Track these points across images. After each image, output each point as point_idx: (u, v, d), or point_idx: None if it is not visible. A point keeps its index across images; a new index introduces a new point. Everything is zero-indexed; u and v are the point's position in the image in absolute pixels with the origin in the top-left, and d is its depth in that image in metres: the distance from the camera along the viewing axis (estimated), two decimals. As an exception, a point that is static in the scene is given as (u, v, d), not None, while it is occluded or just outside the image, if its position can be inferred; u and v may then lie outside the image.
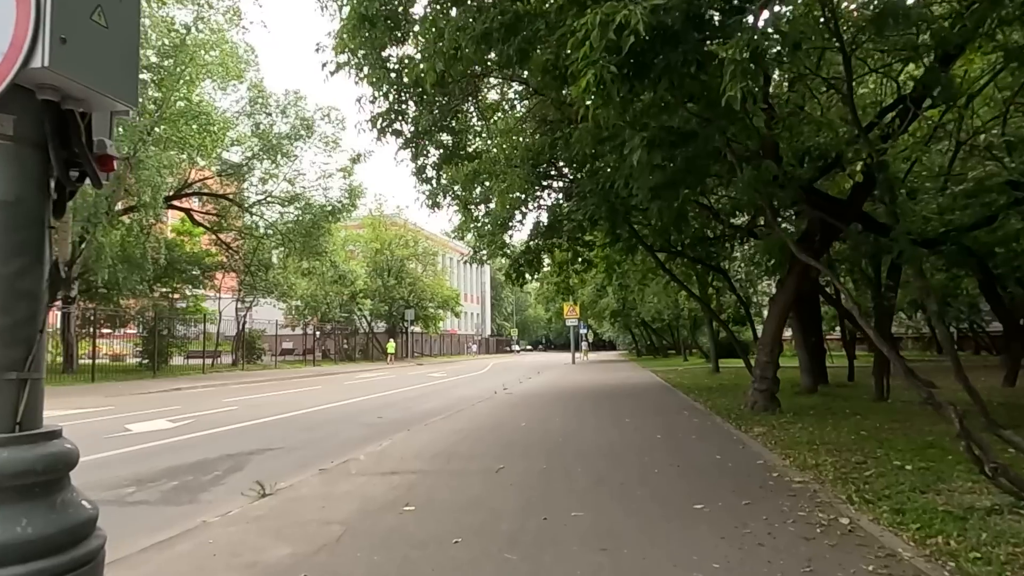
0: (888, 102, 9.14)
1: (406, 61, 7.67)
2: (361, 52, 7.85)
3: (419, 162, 10.29)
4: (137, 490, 6.37)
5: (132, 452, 8.69)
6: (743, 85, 3.94)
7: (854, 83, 9.17)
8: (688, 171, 6.58)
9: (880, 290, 12.41)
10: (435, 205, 11.12)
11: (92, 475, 7.07)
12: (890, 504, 4.55)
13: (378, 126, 9.18)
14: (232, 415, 12.90)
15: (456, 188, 12.12)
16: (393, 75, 8.17)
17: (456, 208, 15.42)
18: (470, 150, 10.77)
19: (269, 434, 10.29)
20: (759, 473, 5.83)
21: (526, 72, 9.69)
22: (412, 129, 9.70)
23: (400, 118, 9.28)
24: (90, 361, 26.04)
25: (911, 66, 8.15)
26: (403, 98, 8.94)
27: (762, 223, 16.56)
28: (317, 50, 8.70)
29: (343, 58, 8.09)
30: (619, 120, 5.23)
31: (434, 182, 10.91)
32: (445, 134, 10.08)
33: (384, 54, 7.94)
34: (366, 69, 8.01)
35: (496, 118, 12.54)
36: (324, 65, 8.41)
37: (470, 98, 10.11)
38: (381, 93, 8.61)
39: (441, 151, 10.20)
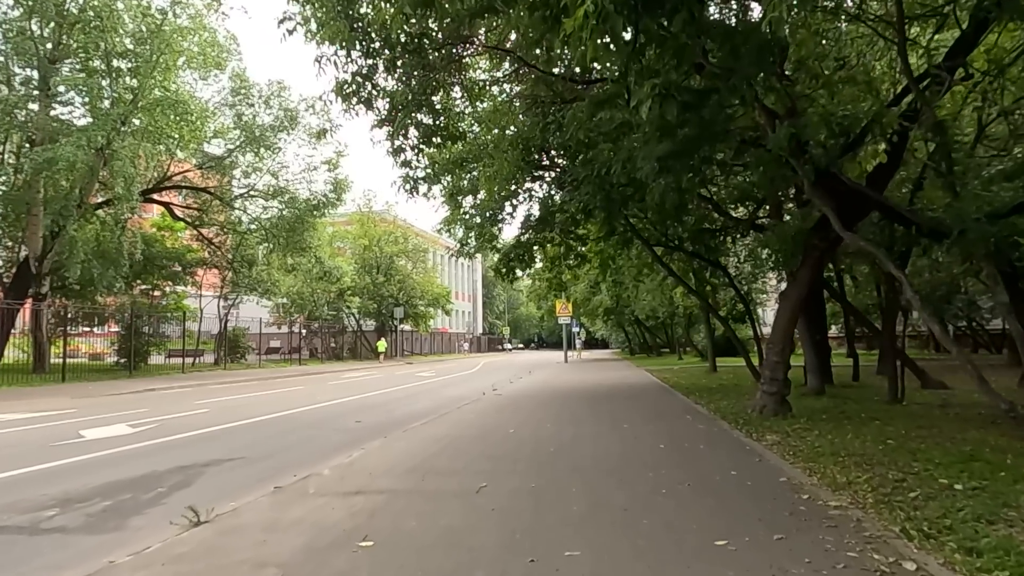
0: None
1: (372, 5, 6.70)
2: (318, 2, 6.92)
3: (396, 142, 9.33)
4: (59, 513, 5.47)
5: (75, 463, 7.80)
6: (788, 2, 3.07)
7: (872, 58, 8.35)
8: (701, 138, 5.69)
9: (894, 284, 11.60)
10: (414, 190, 10.14)
11: (15, 493, 6.18)
12: (957, 540, 3.70)
13: (343, 93, 8.17)
14: (201, 419, 11.99)
15: (437, 171, 11.15)
16: (359, 31, 7.18)
17: (442, 197, 14.56)
18: (453, 131, 9.78)
19: (235, 441, 9.41)
20: (785, 494, 4.97)
21: (515, 45, 8.85)
22: (388, 105, 8.74)
23: (371, 85, 8.28)
24: (67, 361, 25.17)
25: (943, 33, 7.35)
26: (373, 63, 7.95)
27: (765, 215, 15.78)
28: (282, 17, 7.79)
29: (304, 12, 7.13)
30: (622, 70, 4.37)
31: (413, 164, 9.94)
32: (425, 112, 9.10)
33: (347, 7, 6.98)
34: (324, 26, 7.02)
35: (484, 98, 11.63)
36: (281, 22, 7.43)
37: (454, 74, 9.17)
38: (344, 51, 7.58)
39: (421, 129, 9.20)
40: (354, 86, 7.97)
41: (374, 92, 8.29)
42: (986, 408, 10.26)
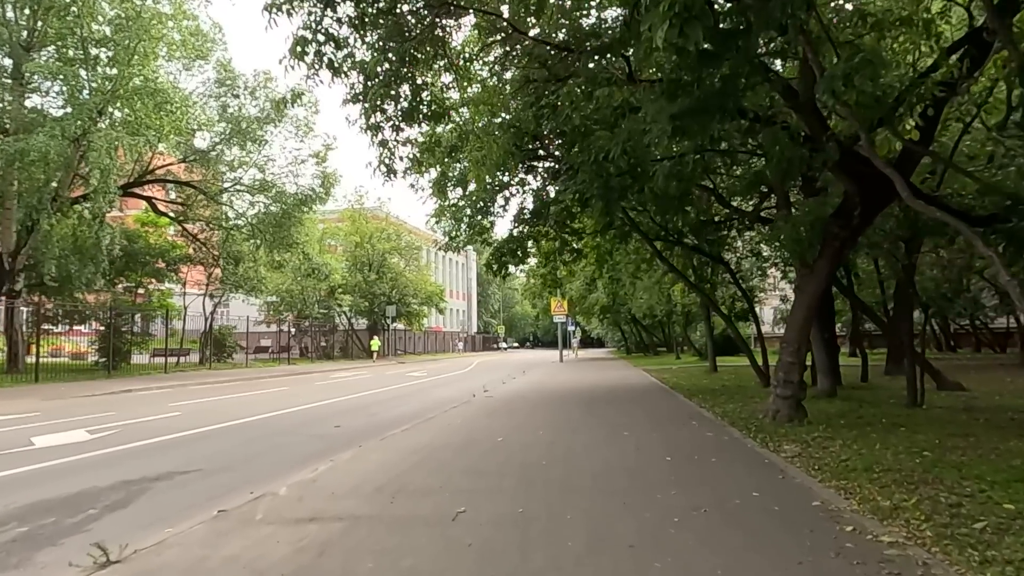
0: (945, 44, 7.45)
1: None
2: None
3: (372, 119, 8.40)
4: (-39, 543, 4.62)
5: (11, 477, 6.98)
6: None
7: (901, 25, 7.52)
8: (724, 93, 4.84)
9: (912, 278, 10.82)
10: (391, 173, 9.20)
11: (-81, 517, 5.34)
12: (1062, 596, 2.88)
13: (299, 54, 7.15)
14: (169, 423, 11.14)
15: (422, 152, 10.24)
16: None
17: (429, 187, 13.71)
18: (438, 109, 8.86)
19: (197, 450, 8.56)
20: (824, 525, 4.13)
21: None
22: (361, 77, 7.82)
23: (335, 45, 7.30)
24: (46, 360, 24.29)
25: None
26: (336, 19, 6.98)
27: (770, 206, 14.96)
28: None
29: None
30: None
31: (391, 144, 9.00)
32: (406, 87, 8.18)
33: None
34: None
35: (473, 82, 10.78)
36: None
37: (437, 47, 8.27)
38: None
39: (399, 106, 8.26)
40: (315, 45, 7.00)
41: (337, 54, 7.30)
42: (1017, 413, 9.50)
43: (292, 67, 7.07)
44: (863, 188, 7.65)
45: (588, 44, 8.17)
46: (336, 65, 7.35)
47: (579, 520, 4.38)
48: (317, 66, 7.21)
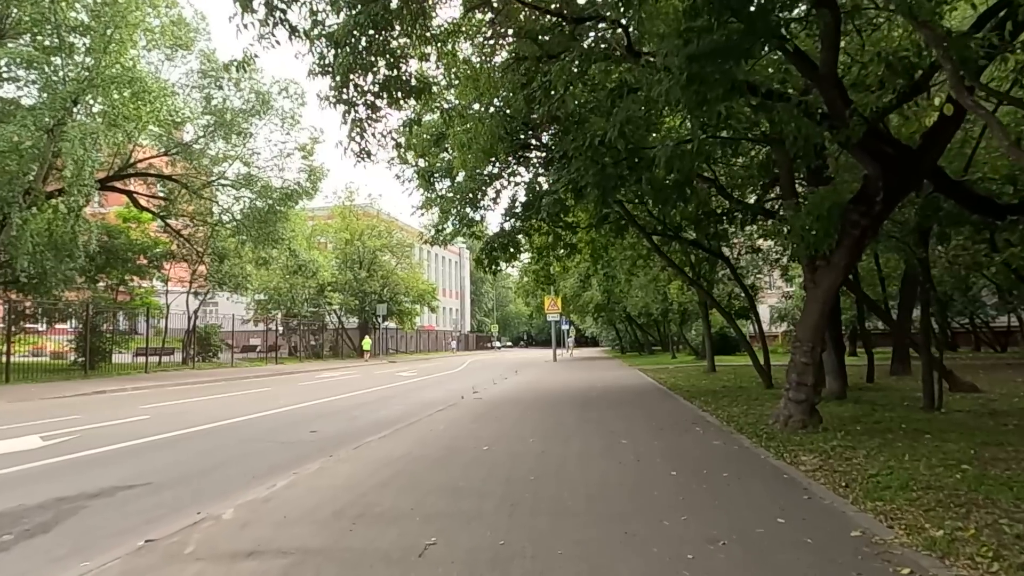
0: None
1: None
2: None
3: (345, 94, 7.55)
4: None
5: (-69, 493, 6.17)
6: None
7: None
8: (753, 32, 4.07)
9: (928, 272, 10.11)
10: (365, 154, 8.35)
11: None
12: None
13: (244, 2, 6.26)
14: (133, 428, 10.37)
15: (407, 132, 9.45)
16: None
17: (415, 179, 12.93)
18: (419, 85, 8.04)
19: (154, 460, 7.79)
20: (872, 566, 3.35)
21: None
22: (330, 48, 6.98)
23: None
24: (23, 360, 23.42)
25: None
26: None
27: (774, 197, 14.24)
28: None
29: None
30: None
31: (368, 122, 8.15)
32: (382, 60, 7.35)
33: None
34: None
35: (457, 66, 9.99)
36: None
37: (420, 18, 7.46)
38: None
39: (378, 78, 7.42)
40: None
41: (292, 7, 6.43)
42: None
43: (244, 26, 6.26)
44: (887, 170, 6.91)
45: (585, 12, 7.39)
46: (293, 24, 6.51)
47: (572, 556, 3.60)
48: (271, 22, 6.38)
